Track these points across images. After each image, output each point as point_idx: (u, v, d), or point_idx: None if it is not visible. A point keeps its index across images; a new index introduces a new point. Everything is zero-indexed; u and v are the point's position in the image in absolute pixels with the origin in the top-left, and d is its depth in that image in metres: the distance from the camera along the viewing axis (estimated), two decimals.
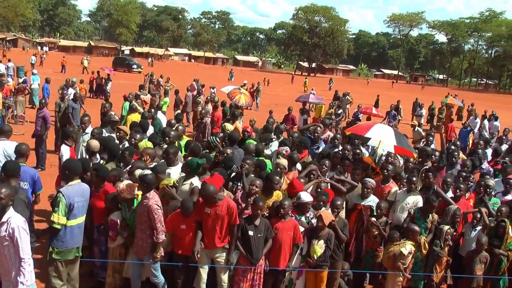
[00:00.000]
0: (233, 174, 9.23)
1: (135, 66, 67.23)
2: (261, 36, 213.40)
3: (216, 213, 7.46)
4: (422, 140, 16.83)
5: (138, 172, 7.87)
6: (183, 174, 8.64)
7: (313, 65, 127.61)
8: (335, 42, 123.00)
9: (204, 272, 7.69)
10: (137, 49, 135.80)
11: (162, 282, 7.72)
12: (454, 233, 8.86)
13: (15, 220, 5.67)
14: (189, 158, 8.90)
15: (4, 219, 5.63)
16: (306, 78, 66.70)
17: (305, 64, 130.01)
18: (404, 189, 9.53)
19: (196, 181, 8.38)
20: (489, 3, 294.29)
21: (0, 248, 5.68)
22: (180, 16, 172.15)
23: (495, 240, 8.78)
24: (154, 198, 7.31)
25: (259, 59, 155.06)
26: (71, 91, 23.39)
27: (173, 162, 9.18)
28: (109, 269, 7.92)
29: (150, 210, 7.21)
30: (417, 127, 20.49)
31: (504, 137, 17.58)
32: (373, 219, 8.75)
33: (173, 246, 7.79)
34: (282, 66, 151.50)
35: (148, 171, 7.66)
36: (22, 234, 5.64)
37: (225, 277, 7.74)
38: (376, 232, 8.76)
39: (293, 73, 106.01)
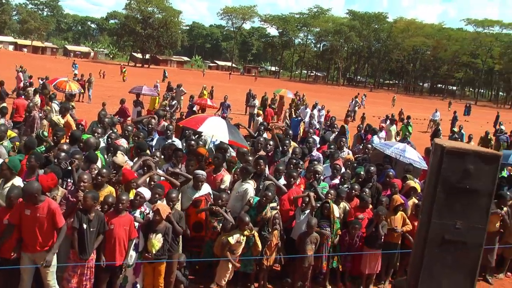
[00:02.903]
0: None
1: None
2: (92, 25, 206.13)
3: (36, 216, 6.90)
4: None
5: None
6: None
7: (147, 56, 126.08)
8: (169, 33, 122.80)
9: (27, 275, 7.19)
10: None
11: None
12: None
13: None
14: (8, 158, 8.29)
15: None
16: (124, 68, 65.32)
17: (139, 55, 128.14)
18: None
19: (18, 181, 7.74)
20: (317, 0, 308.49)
21: None
22: (3, 1, 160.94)
23: (321, 220, 9.33)
24: None
25: (91, 49, 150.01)
26: None
27: None
28: None
29: None
30: (259, 118, 21.62)
31: (335, 125, 18.73)
32: (218, 208, 8.84)
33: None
34: (115, 57, 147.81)
35: None
36: None
37: (52, 279, 7.28)
38: (215, 223, 8.89)
39: (126, 63, 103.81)
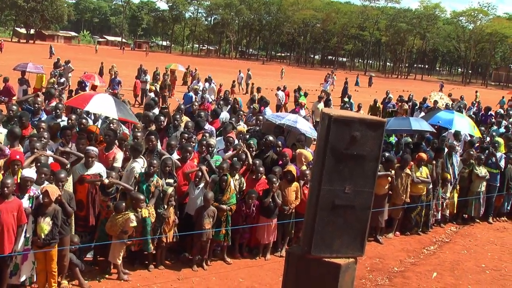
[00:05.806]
0: None
1: None
2: None
3: None
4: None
5: None
6: None
7: (32, 31, 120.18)
8: (54, 7, 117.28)
9: None
10: None
11: None
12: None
13: None
14: None
15: None
16: None
17: (23, 31, 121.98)
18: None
19: None
20: None
21: None
22: None
23: (220, 194, 9.36)
24: None
25: None
26: None
27: None
28: None
29: None
30: (152, 93, 21.71)
31: (229, 99, 18.86)
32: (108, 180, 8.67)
33: None
34: None
35: None
36: None
37: None
38: (109, 202, 8.73)
39: (8, 39, 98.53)
